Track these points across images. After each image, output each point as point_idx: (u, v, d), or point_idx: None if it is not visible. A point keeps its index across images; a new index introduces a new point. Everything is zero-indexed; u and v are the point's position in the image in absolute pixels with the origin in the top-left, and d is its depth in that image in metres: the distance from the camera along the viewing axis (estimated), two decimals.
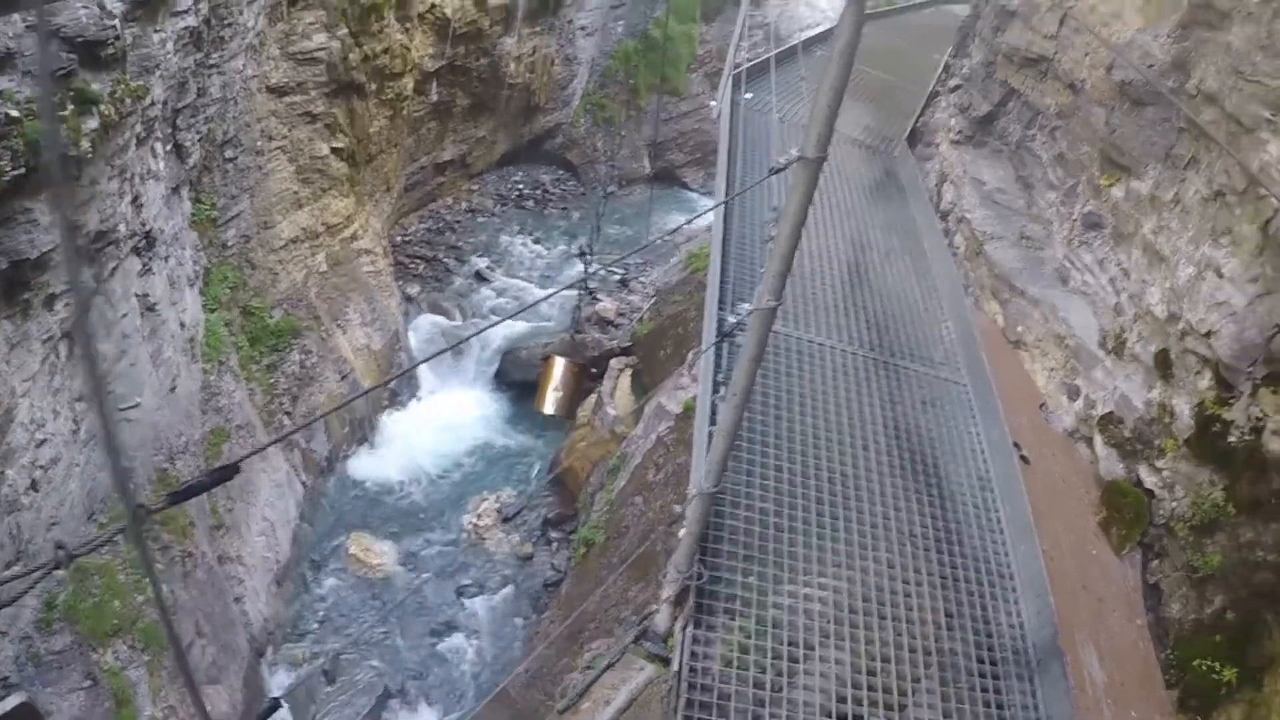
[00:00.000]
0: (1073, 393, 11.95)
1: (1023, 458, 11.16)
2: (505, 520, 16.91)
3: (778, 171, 5.89)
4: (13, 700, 8.76)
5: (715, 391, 10.30)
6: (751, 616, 8.70)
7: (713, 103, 21.40)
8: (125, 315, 11.18)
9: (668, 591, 8.63)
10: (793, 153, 5.70)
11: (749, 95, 18.54)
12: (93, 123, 9.16)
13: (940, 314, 13.89)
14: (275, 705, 5.34)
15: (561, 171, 29.50)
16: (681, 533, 8.39)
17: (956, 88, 17.05)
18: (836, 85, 5.31)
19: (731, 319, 11.04)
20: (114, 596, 10.03)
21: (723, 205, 13.79)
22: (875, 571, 9.47)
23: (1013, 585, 9.86)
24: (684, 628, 8.52)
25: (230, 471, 1.92)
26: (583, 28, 27.60)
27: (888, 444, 11.16)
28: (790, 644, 8.60)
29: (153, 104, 10.71)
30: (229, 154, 14.72)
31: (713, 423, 9.17)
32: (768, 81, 18.42)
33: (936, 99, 19.02)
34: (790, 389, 11.42)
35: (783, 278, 6.16)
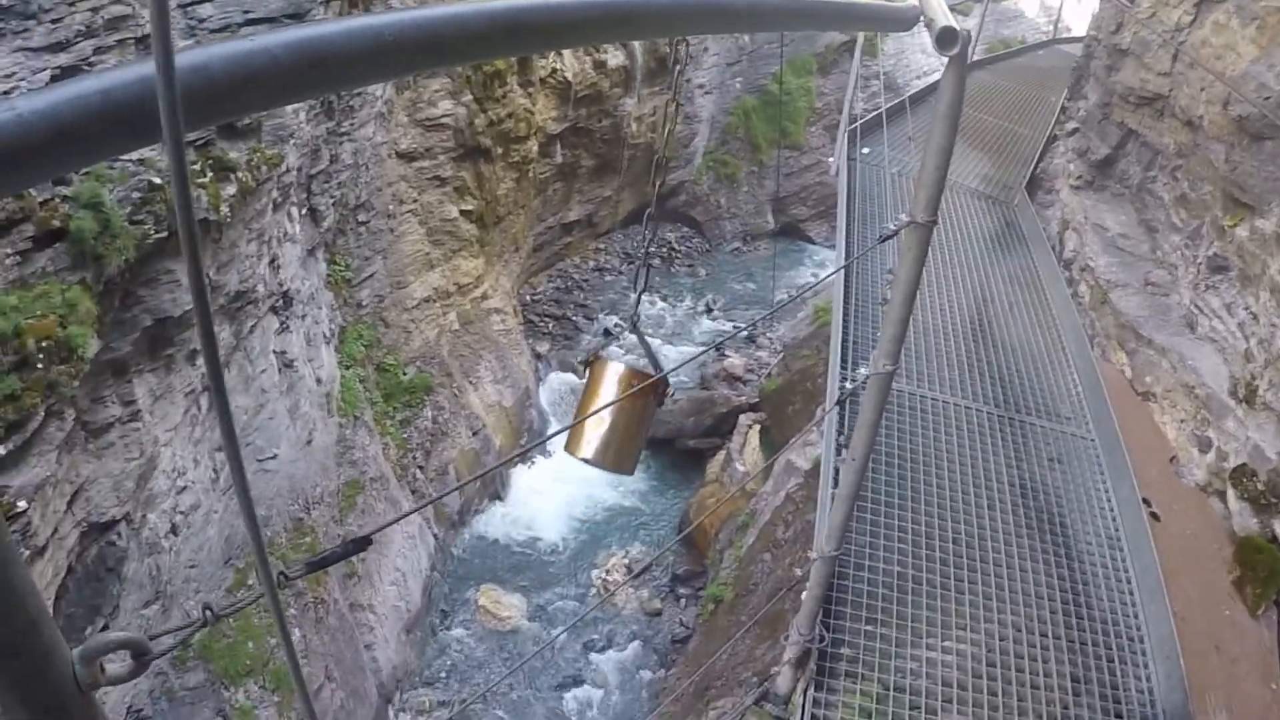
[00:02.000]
0: (1204, 445, 11.16)
1: (1153, 514, 10.52)
2: (634, 576, 16.86)
3: (887, 239, 5.61)
4: None
5: (837, 454, 10.05)
6: (874, 680, 8.40)
7: (830, 159, 21.15)
8: (264, 371, 11.73)
9: (790, 654, 8.41)
10: (902, 217, 5.46)
11: (866, 150, 18.27)
12: (231, 189, 9.71)
13: (1066, 367, 13.31)
14: None
15: (686, 229, 29.77)
16: (804, 595, 8.20)
17: (1074, 131, 16.35)
18: (943, 147, 5.11)
19: (848, 385, 10.77)
20: (248, 638, 10.38)
21: (843, 270, 13.57)
22: (1001, 635, 9.02)
23: (1142, 648, 9.24)
24: (805, 690, 8.28)
25: (364, 543, 2.04)
26: (701, 86, 27.94)
27: (1013, 502, 10.69)
28: (913, 709, 8.24)
29: (287, 170, 11.30)
30: (362, 217, 15.39)
31: (835, 485, 8.96)
32: (882, 134, 18.22)
33: (1055, 143, 18.27)
34: (914, 448, 11.08)
35: (898, 342, 5.94)
